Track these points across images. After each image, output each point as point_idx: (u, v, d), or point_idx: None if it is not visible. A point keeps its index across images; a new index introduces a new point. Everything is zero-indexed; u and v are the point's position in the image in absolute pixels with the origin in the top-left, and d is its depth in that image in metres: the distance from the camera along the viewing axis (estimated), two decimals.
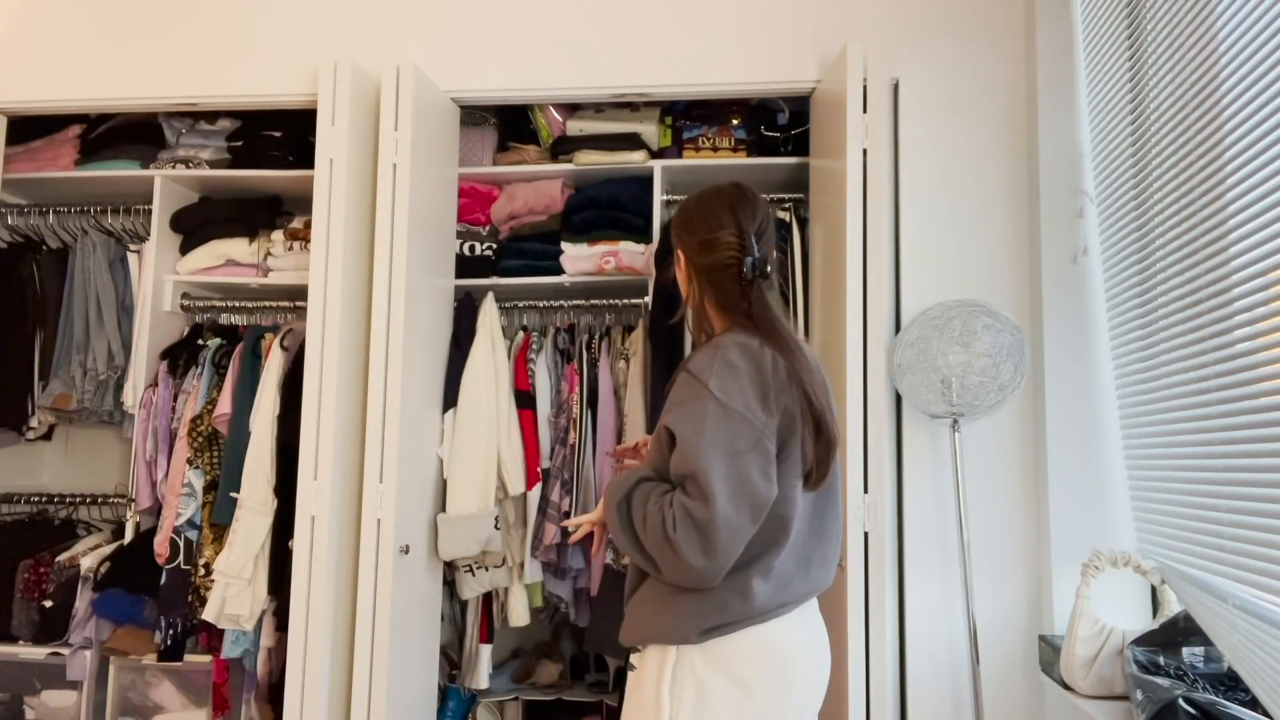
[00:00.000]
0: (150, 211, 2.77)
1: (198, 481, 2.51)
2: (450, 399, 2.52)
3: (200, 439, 2.52)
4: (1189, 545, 1.72)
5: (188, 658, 2.55)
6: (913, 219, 2.32)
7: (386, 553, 2.15)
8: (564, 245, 2.72)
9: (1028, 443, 2.24)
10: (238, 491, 2.40)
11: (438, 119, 2.46)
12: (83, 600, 2.58)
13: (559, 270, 2.72)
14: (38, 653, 2.58)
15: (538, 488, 2.59)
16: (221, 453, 2.51)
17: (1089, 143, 2.19)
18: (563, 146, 2.76)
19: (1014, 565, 2.21)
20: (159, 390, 2.63)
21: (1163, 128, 1.78)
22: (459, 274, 2.68)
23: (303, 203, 2.65)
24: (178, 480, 2.52)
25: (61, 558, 2.67)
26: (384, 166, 2.26)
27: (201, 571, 2.46)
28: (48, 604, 2.61)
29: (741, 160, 2.64)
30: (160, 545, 2.49)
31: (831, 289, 2.17)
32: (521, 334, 2.75)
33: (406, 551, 2.23)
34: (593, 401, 2.62)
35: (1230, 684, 1.67)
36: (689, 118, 2.72)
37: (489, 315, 2.62)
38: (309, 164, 2.31)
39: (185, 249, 2.84)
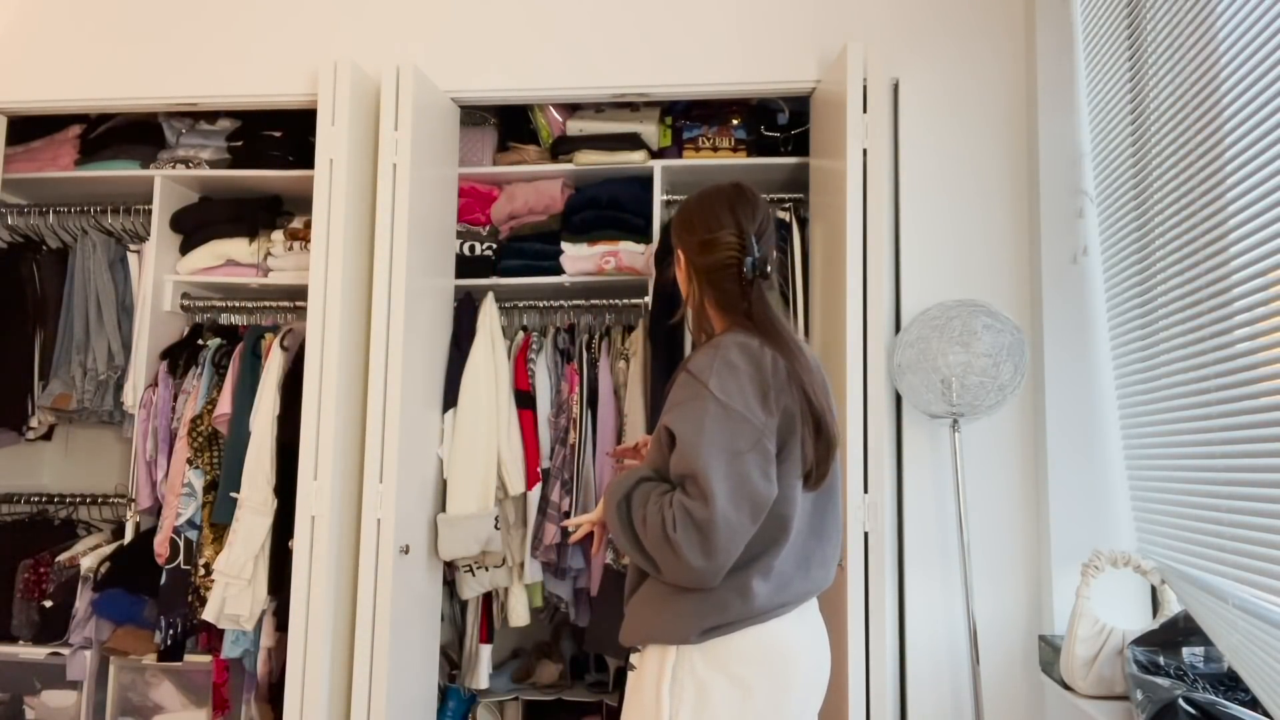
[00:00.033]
0: (150, 211, 2.77)
1: (198, 481, 2.51)
2: (450, 399, 2.52)
3: (200, 439, 2.52)
4: (1189, 545, 1.72)
5: (188, 658, 2.55)
6: (913, 219, 2.32)
7: (386, 553, 2.15)
8: (564, 245, 2.72)
9: (1028, 443, 2.24)
10: (238, 491, 2.40)
11: (438, 119, 2.46)
12: (83, 600, 2.58)
13: (559, 270, 2.72)
14: (38, 653, 2.58)
15: (538, 488, 2.59)
16: (221, 453, 2.51)
17: (1089, 143, 2.19)
18: (563, 146, 2.76)
19: (1014, 565, 2.21)
20: (159, 390, 2.63)
21: (1163, 128, 1.78)
22: (459, 274, 2.68)
23: (303, 203, 2.64)
24: (178, 480, 2.52)
25: (61, 558, 2.67)
26: (384, 166, 2.26)
27: (201, 571, 2.46)
28: (48, 604, 2.61)
29: (741, 160, 2.64)
30: (160, 545, 2.49)
31: (831, 289, 2.17)
32: (521, 334, 2.75)
33: (406, 551, 2.23)
34: (593, 401, 2.62)
35: (1230, 684, 1.67)
36: (689, 118, 2.72)
37: (489, 315, 2.62)
38: (309, 164, 2.31)
39: (185, 249, 2.84)
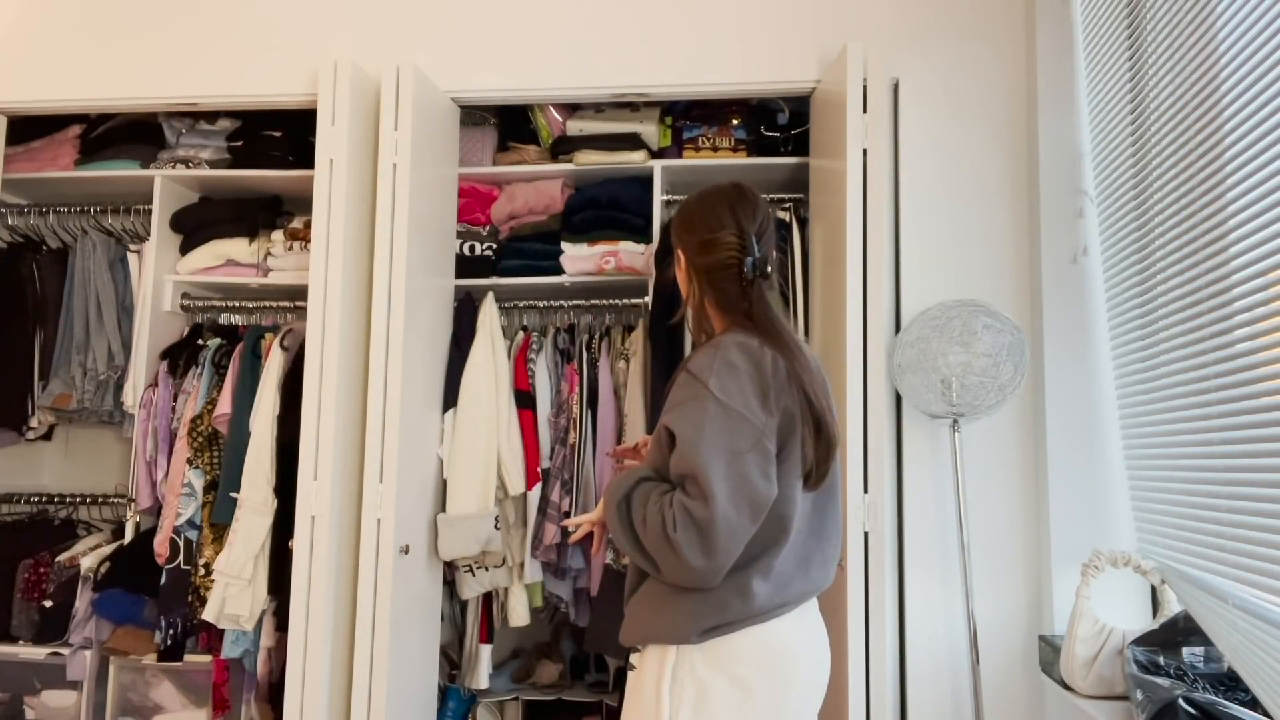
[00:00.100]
0: (150, 211, 2.77)
1: (198, 481, 2.51)
2: (450, 399, 2.52)
3: (200, 439, 2.52)
4: (1189, 545, 1.72)
5: (188, 658, 2.55)
6: (913, 219, 2.32)
7: (386, 553, 2.15)
8: (564, 245, 2.72)
9: (1028, 443, 2.24)
10: (238, 491, 2.40)
11: (438, 119, 2.46)
12: (83, 600, 2.58)
13: (559, 270, 2.72)
14: (38, 653, 2.58)
15: (538, 488, 2.59)
16: (221, 453, 2.51)
17: (1089, 143, 2.19)
18: (563, 146, 2.76)
19: (1014, 565, 2.21)
20: (159, 390, 2.63)
21: (1163, 128, 1.78)
22: (459, 274, 2.68)
23: (303, 203, 2.64)
24: (178, 480, 2.52)
25: (61, 558, 2.67)
26: (384, 166, 2.26)
27: (201, 571, 2.46)
28: (48, 604, 2.61)
29: (741, 160, 2.64)
30: (160, 545, 2.49)
31: (831, 289, 2.17)
32: (521, 334, 2.75)
33: (406, 551, 2.23)
34: (593, 401, 2.62)
35: (1230, 684, 1.67)
36: (689, 118, 2.72)
37: (489, 315, 2.62)
38: (309, 164, 2.31)
39: (185, 249, 2.84)
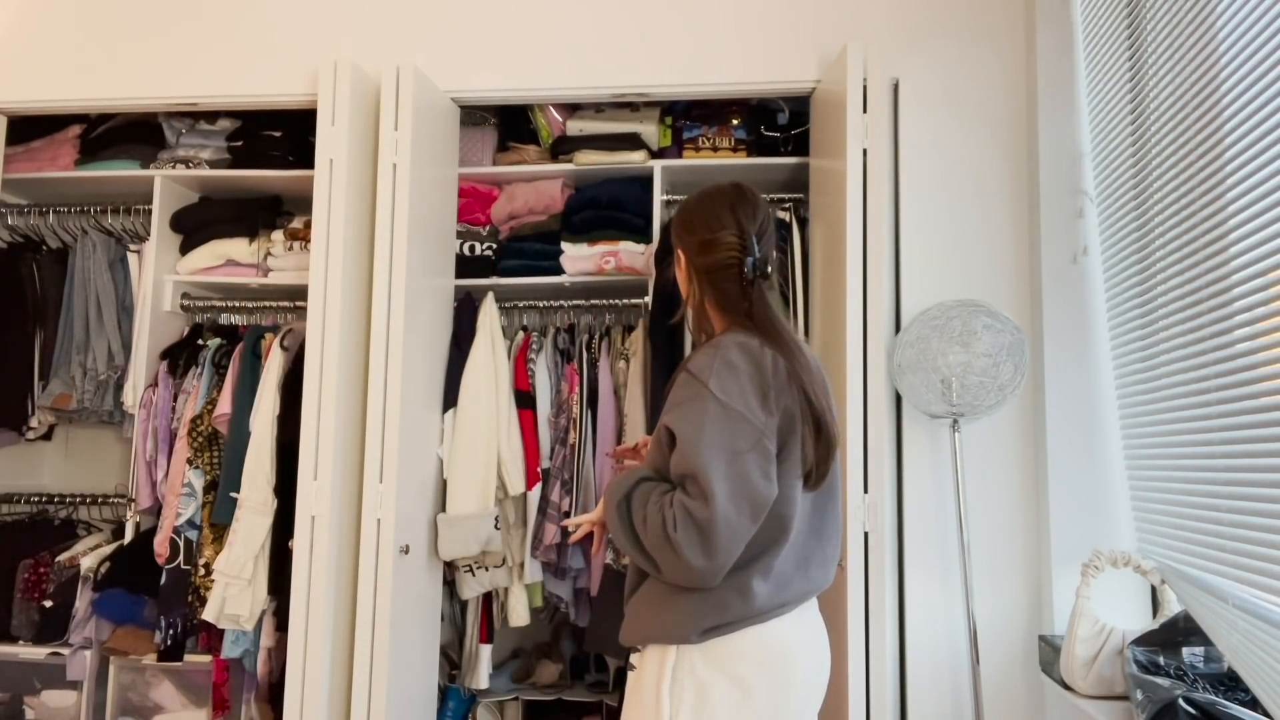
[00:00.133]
0: (150, 211, 2.77)
1: (198, 481, 2.51)
2: (450, 399, 2.52)
3: (200, 439, 2.52)
4: (1189, 545, 1.72)
5: (188, 658, 2.55)
6: (913, 219, 2.32)
7: (386, 553, 2.15)
8: (564, 245, 2.72)
9: (1028, 443, 2.24)
10: (238, 491, 2.40)
11: (438, 119, 2.46)
12: (83, 600, 2.58)
13: (559, 270, 2.72)
14: (38, 653, 2.58)
15: (538, 488, 2.59)
16: (221, 453, 2.51)
17: (1089, 143, 2.19)
18: (563, 146, 2.76)
19: (1014, 565, 2.21)
20: (159, 390, 2.63)
21: (1163, 128, 1.78)
22: (459, 274, 2.68)
23: (303, 203, 2.65)
24: (178, 480, 2.52)
25: (61, 558, 2.67)
26: (384, 166, 2.26)
27: (201, 571, 2.46)
28: (48, 604, 2.61)
29: (741, 160, 2.64)
30: (160, 545, 2.49)
31: (831, 289, 2.17)
32: (521, 334, 2.75)
33: (406, 551, 2.23)
34: (593, 401, 2.62)
35: (1230, 684, 1.67)
36: (689, 118, 2.72)
37: (489, 315, 2.62)
38: (309, 164, 2.31)
39: (185, 249, 2.84)
